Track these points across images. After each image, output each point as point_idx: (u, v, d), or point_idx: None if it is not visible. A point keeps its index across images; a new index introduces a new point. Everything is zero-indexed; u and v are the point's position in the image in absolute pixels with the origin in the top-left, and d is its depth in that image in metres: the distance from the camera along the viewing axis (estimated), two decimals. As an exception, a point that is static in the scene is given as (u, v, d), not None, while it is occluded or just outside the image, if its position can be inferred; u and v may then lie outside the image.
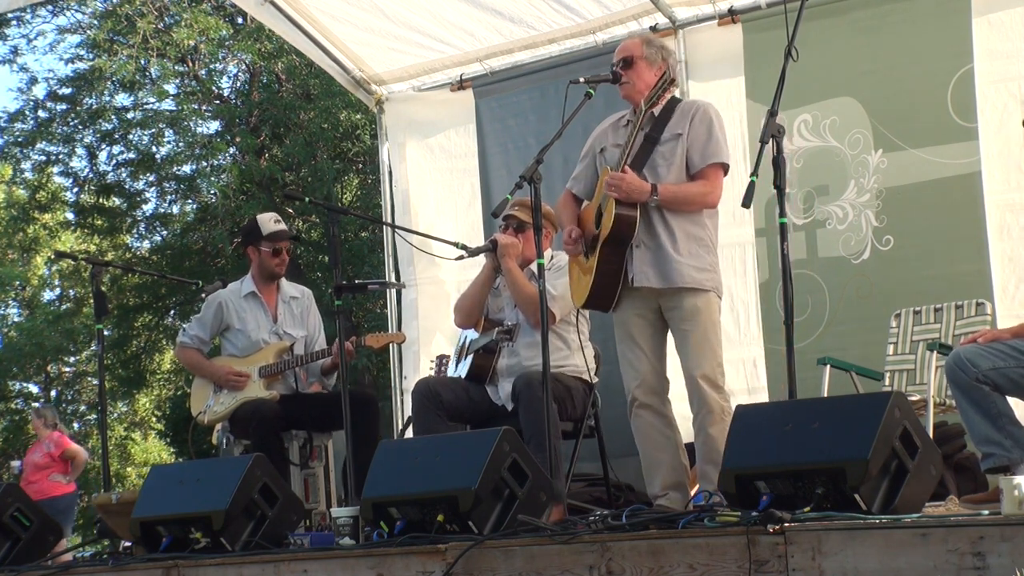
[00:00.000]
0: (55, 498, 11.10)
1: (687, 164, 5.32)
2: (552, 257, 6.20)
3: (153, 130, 19.63)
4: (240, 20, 18.75)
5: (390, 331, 8.52)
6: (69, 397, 24.91)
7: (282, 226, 6.86)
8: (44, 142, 20.30)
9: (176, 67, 19.38)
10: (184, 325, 7.10)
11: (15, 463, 11.95)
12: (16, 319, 24.49)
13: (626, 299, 5.33)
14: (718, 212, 5.41)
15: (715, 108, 5.44)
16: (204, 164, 19.33)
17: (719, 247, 5.43)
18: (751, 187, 4.73)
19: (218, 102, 19.76)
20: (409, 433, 7.02)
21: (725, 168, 5.34)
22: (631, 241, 5.24)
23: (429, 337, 8.55)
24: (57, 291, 25.15)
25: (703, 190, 5.28)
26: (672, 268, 5.23)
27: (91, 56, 19.53)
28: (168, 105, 19.77)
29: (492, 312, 6.35)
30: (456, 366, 6.45)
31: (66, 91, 20.01)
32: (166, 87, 19.60)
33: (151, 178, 20.59)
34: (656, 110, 5.39)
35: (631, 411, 5.37)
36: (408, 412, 7.31)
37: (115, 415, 24.32)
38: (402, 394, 8.54)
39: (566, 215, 5.55)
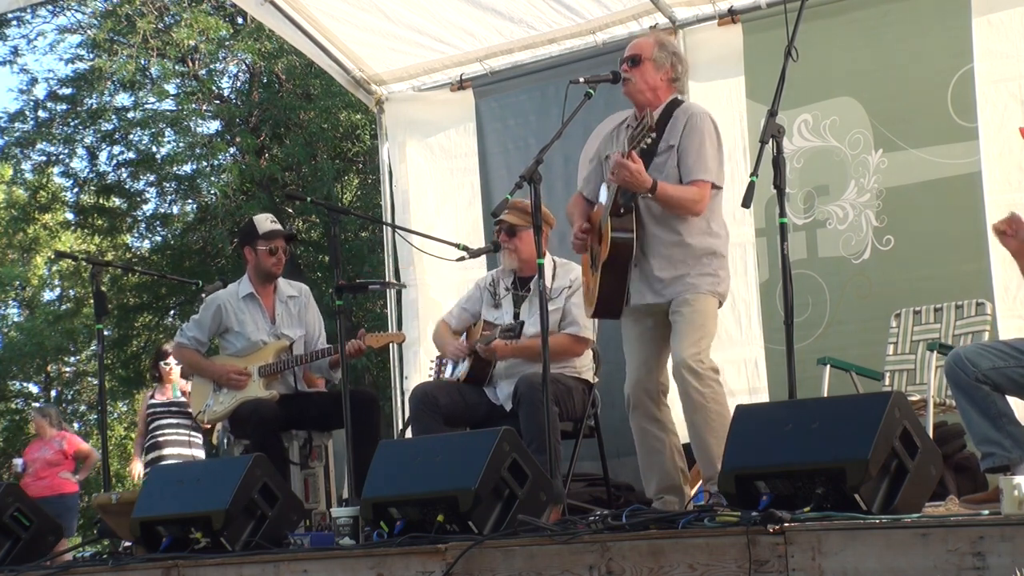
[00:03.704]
0: (65, 495, 11.09)
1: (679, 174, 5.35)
2: (563, 271, 6.21)
3: (153, 130, 19.58)
4: (240, 20, 18.73)
5: (390, 331, 8.51)
6: (69, 397, 24.89)
7: (278, 226, 6.87)
8: (44, 142, 20.25)
9: (176, 67, 19.35)
10: (182, 326, 7.09)
11: (17, 460, 11.89)
12: (16, 319, 24.49)
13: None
14: (714, 215, 5.37)
15: (711, 119, 5.40)
16: (204, 164, 19.31)
17: None
18: (751, 187, 4.73)
19: (218, 102, 19.73)
20: (409, 434, 7.01)
21: (714, 185, 5.33)
22: (631, 262, 5.28)
23: (429, 337, 8.54)
24: (57, 291, 25.13)
25: (695, 197, 5.28)
26: (663, 285, 5.29)
27: (91, 56, 19.49)
28: (168, 105, 19.74)
29: (489, 318, 6.35)
30: (454, 368, 6.44)
31: (66, 91, 19.96)
32: (166, 87, 19.57)
33: (151, 178, 20.54)
34: (655, 114, 5.38)
35: (628, 411, 5.43)
36: (408, 413, 7.31)
37: (115, 415, 24.30)
38: (402, 394, 8.54)
39: (576, 214, 5.57)
